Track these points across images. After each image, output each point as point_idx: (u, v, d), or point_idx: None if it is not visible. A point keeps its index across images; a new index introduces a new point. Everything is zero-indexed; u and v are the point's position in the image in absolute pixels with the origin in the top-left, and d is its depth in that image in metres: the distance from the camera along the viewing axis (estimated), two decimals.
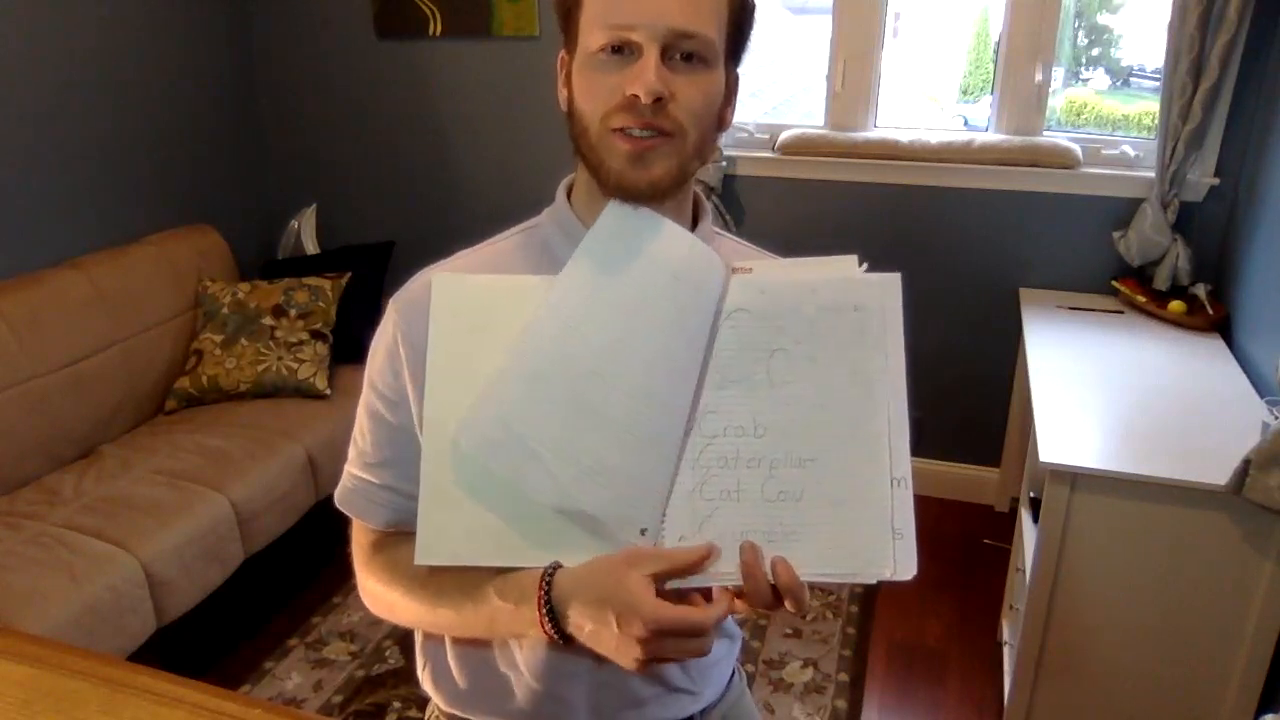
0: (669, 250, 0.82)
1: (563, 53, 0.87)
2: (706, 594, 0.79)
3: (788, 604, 0.77)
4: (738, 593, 0.77)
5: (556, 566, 0.79)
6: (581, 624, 0.77)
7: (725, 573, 0.77)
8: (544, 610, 0.77)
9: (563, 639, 0.78)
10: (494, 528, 0.80)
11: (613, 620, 0.74)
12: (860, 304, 0.80)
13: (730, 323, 0.82)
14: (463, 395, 0.80)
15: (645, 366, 0.79)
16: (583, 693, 0.93)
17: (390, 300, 0.90)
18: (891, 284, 0.80)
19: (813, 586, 0.78)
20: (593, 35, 0.80)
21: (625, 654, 0.75)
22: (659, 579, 0.75)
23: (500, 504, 0.79)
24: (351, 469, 0.93)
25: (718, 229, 1.00)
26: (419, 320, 0.84)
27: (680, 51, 0.79)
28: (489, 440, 0.79)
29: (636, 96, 0.77)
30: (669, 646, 0.75)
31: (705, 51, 0.80)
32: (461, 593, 0.84)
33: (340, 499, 0.93)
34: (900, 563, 0.76)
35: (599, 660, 0.91)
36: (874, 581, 0.77)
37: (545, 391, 0.79)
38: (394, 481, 0.89)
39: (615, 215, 0.83)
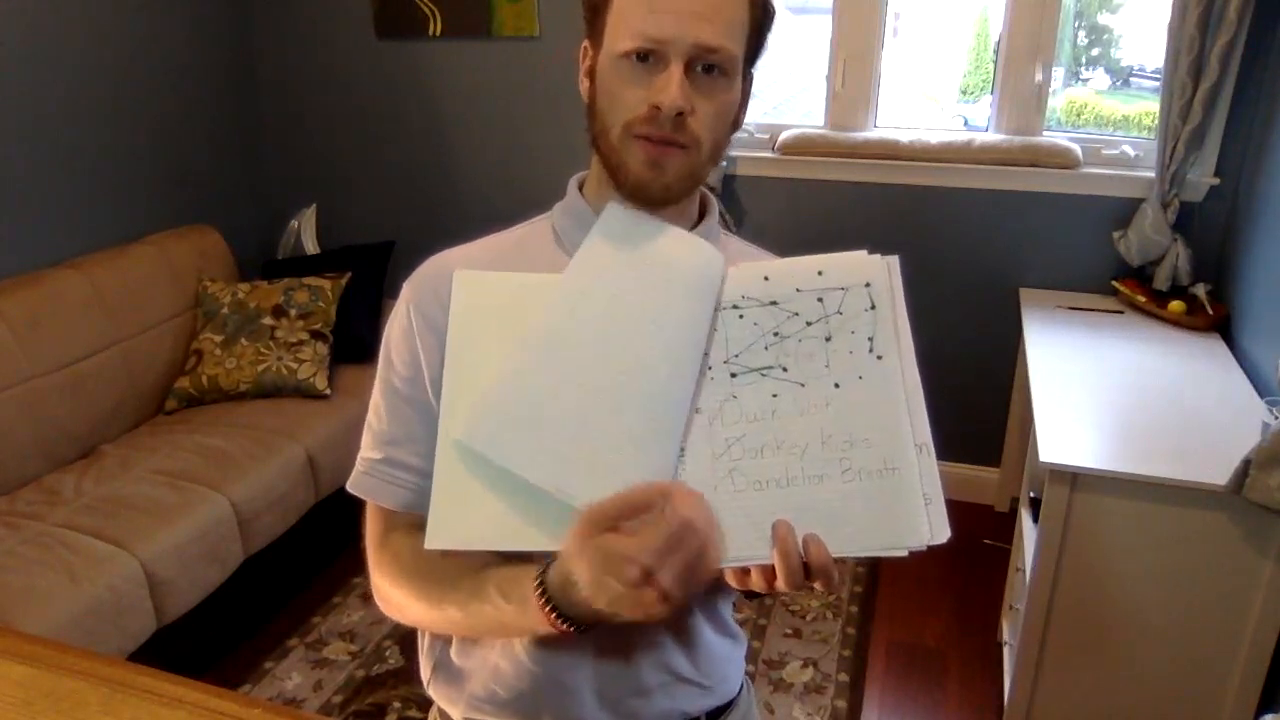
0: (665, 247, 0.86)
1: (585, 43, 0.89)
2: (741, 578, 0.77)
3: (818, 584, 0.76)
4: (770, 575, 0.76)
5: (549, 564, 0.78)
6: (583, 598, 0.74)
7: (758, 554, 0.76)
8: (548, 610, 0.77)
9: (581, 625, 0.77)
10: (503, 514, 0.80)
11: (584, 568, 0.72)
12: (867, 280, 0.83)
13: (737, 311, 0.83)
14: (476, 387, 0.81)
15: (647, 360, 0.80)
16: (587, 681, 0.93)
17: (404, 284, 0.92)
18: (893, 263, 0.84)
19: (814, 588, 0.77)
20: (621, 39, 0.83)
21: (629, 596, 0.72)
22: (613, 519, 0.73)
23: (509, 492, 0.80)
24: (365, 454, 0.93)
25: (722, 230, 1.00)
26: (429, 293, 0.88)
27: (703, 64, 0.83)
28: (493, 433, 0.80)
29: (659, 108, 0.81)
30: (661, 564, 0.70)
31: (727, 65, 0.84)
32: (467, 593, 0.84)
33: (353, 484, 0.93)
34: (935, 528, 0.75)
35: (600, 649, 0.91)
36: (906, 553, 0.76)
37: (549, 385, 0.80)
38: (410, 458, 0.89)
39: (612, 217, 0.86)
